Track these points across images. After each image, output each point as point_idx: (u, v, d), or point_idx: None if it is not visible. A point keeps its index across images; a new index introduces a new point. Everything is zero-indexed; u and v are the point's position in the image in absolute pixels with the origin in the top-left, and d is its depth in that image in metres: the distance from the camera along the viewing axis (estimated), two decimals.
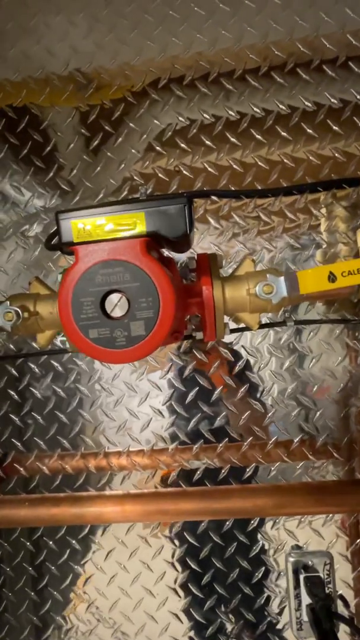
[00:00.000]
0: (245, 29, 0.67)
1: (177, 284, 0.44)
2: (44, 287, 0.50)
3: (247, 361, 0.70)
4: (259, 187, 0.66)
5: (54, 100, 0.71)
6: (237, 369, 0.69)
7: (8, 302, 0.47)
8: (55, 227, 0.51)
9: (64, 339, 0.60)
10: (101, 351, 0.40)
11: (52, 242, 0.54)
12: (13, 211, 0.75)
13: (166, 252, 0.47)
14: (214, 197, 0.67)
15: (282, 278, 0.45)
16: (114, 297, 0.39)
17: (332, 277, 0.45)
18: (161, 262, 0.41)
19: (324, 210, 0.68)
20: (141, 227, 0.39)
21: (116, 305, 0.39)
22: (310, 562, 0.62)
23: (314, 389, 0.69)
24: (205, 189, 0.68)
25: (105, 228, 0.39)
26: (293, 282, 0.45)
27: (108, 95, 0.70)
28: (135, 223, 0.39)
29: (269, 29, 0.67)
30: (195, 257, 0.48)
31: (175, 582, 0.72)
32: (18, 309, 0.46)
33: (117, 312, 0.39)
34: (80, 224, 0.39)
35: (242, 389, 0.69)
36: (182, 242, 0.43)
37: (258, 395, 0.71)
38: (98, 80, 0.70)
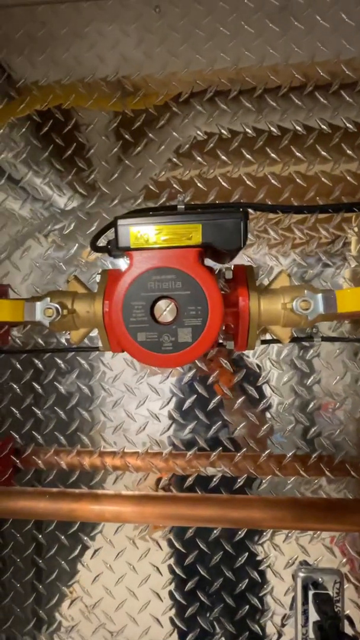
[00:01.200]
0: (267, 51, 0.70)
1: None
2: (82, 286, 0.52)
3: (254, 372, 0.71)
4: (296, 204, 0.68)
5: (101, 105, 0.74)
6: (236, 379, 0.70)
7: (49, 299, 0.48)
8: (100, 229, 0.53)
9: (68, 336, 0.62)
10: (147, 354, 0.41)
11: (98, 244, 0.55)
12: (32, 211, 0.78)
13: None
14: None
15: (320, 295, 0.46)
16: (164, 303, 0.41)
17: None
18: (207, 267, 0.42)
19: (356, 229, 0.69)
20: (197, 238, 0.40)
21: (165, 310, 0.41)
22: (320, 579, 0.61)
23: (335, 405, 0.70)
24: (242, 201, 0.69)
25: (162, 237, 0.40)
26: (331, 300, 0.46)
27: (152, 103, 0.72)
28: (192, 234, 0.40)
29: (290, 52, 0.69)
30: (232, 267, 0.50)
31: (162, 587, 0.72)
32: (58, 306, 0.47)
33: (166, 318, 0.41)
34: (139, 231, 0.40)
35: (241, 399, 0.69)
36: (231, 255, 0.45)
37: (261, 407, 0.71)
38: (145, 89, 0.72)
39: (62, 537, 0.74)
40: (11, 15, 0.75)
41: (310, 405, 0.70)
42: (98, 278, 0.50)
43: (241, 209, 0.41)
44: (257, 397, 0.70)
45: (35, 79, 0.76)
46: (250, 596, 0.69)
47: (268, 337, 0.57)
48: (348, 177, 0.68)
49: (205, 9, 0.71)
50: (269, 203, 0.69)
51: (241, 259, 0.71)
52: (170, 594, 0.72)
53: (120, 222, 0.41)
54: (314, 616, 0.62)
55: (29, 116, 0.76)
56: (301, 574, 0.63)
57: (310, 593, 0.62)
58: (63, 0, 0.74)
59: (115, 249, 0.42)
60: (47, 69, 0.75)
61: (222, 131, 0.71)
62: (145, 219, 0.41)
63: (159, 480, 0.74)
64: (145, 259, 0.40)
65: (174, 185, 0.72)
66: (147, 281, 0.40)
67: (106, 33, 0.74)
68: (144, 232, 0.40)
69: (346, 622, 0.64)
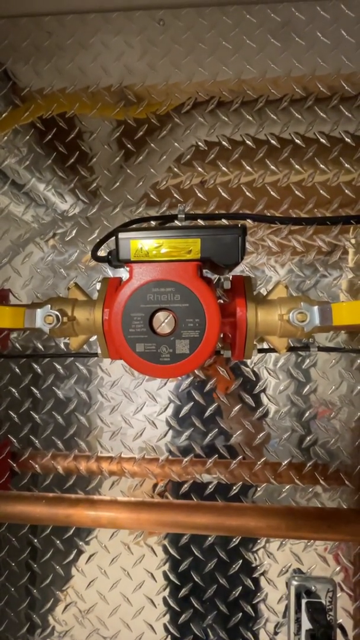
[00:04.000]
0: (269, 65, 0.71)
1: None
2: (82, 293, 0.53)
3: (250, 380, 0.71)
4: (294, 216, 0.69)
5: (104, 113, 0.75)
6: (233, 387, 0.71)
7: (49, 306, 0.49)
8: (100, 239, 0.54)
9: (67, 341, 0.62)
10: (145, 365, 0.42)
11: (99, 254, 0.56)
12: (34, 216, 0.79)
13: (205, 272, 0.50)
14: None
15: (316, 307, 0.47)
16: (162, 315, 0.42)
17: None
18: (205, 280, 0.43)
19: (353, 241, 0.70)
20: (196, 253, 0.41)
21: (163, 322, 0.41)
22: (313, 588, 0.62)
23: (330, 415, 0.70)
24: (241, 212, 0.70)
25: (162, 250, 0.41)
26: (327, 312, 0.47)
27: (154, 113, 0.73)
28: (191, 248, 0.41)
29: (291, 67, 0.71)
30: (231, 277, 0.50)
31: (156, 593, 0.72)
32: (58, 313, 0.48)
33: (164, 330, 0.42)
34: (139, 244, 0.41)
35: (238, 407, 0.70)
36: (229, 267, 0.46)
37: (258, 415, 0.72)
38: (148, 99, 0.73)
39: (58, 541, 0.74)
40: (18, 25, 0.77)
41: (306, 414, 0.70)
42: (98, 286, 0.51)
43: (239, 225, 0.42)
44: (254, 405, 0.71)
45: (40, 87, 0.77)
46: (243, 603, 0.69)
47: (265, 346, 0.58)
48: (346, 190, 0.69)
49: (208, 23, 0.73)
50: (268, 214, 0.70)
51: (239, 268, 0.72)
52: (164, 600, 0.72)
53: (121, 235, 0.42)
54: (306, 624, 0.62)
55: (33, 124, 0.77)
56: (294, 582, 0.63)
57: (304, 601, 0.63)
58: (69, 12, 0.75)
59: (115, 261, 0.43)
60: (52, 78, 0.76)
61: (223, 142, 0.72)
62: (146, 232, 0.42)
63: (154, 486, 0.75)
64: (145, 272, 0.41)
65: (175, 195, 0.73)
66: (146, 293, 0.41)
67: (111, 44, 0.75)
68: (144, 245, 0.41)
69: (339, 631, 0.64)
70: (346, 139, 0.69)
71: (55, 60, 0.76)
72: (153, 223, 0.66)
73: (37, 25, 0.77)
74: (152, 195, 0.73)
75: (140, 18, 0.74)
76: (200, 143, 0.73)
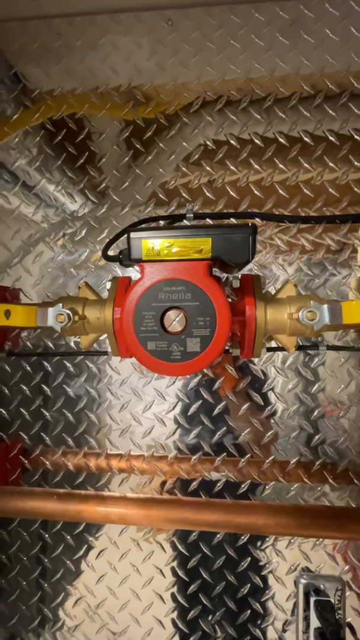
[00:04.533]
0: (277, 64, 0.71)
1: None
2: (92, 293, 0.53)
3: (258, 379, 0.72)
4: (303, 214, 0.69)
5: (113, 114, 0.75)
6: (250, 384, 0.71)
7: (61, 305, 0.50)
8: (110, 239, 0.55)
9: (78, 340, 0.63)
10: (157, 362, 0.43)
11: (109, 253, 0.57)
12: (44, 217, 0.80)
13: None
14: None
15: (325, 306, 0.47)
16: (173, 314, 0.42)
17: None
18: (216, 279, 0.43)
19: None
20: (207, 252, 0.42)
21: (174, 321, 0.42)
22: (322, 586, 0.62)
23: (339, 413, 0.70)
24: (250, 210, 0.71)
25: (173, 249, 0.42)
26: (337, 311, 0.47)
27: (163, 112, 0.74)
28: (202, 247, 0.42)
29: (300, 65, 0.71)
30: (240, 276, 0.51)
31: (165, 589, 0.73)
32: (70, 312, 0.49)
33: (175, 328, 0.42)
34: (150, 244, 0.42)
35: (246, 406, 0.70)
36: (239, 266, 0.46)
37: (266, 413, 0.72)
38: (157, 99, 0.73)
39: (68, 537, 0.75)
40: (28, 27, 0.78)
41: (315, 413, 0.70)
42: (108, 285, 0.52)
43: (250, 224, 0.42)
44: (262, 403, 0.71)
45: (50, 88, 0.78)
46: (252, 601, 0.70)
47: (274, 344, 0.58)
48: (355, 188, 0.69)
49: (217, 22, 0.73)
50: (277, 213, 0.70)
51: (248, 266, 0.72)
52: (173, 596, 0.73)
53: (133, 234, 0.42)
54: (315, 623, 0.62)
55: (43, 125, 0.78)
56: (303, 581, 0.63)
57: (312, 600, 0.63)
58: (78, 13, 0.76)
59: (127, 260, 0.44)
60: (61, 79, 0.77)
61: (232, 141, 0.72)
62: (157, 232, 0.42)
63: (163, 483, 0.75)
64: (157, 271, 0.42)
65: (183, 194, 0.73)
66: (157, 292, 0.42)
67: (120, 45, 0.75)
68: (155, 244, 0.42)
69: (347, 630, 0.64)
70: (355, 137, 0.69)
71: (64, 62, 0.77)
72: (162, 222, 0.67)
73: (46, 27, 0.77)
74: (160, 195, 0.74)
75: (149, 18, 0.75)
76: (208, 142, 0.73)
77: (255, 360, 0.72)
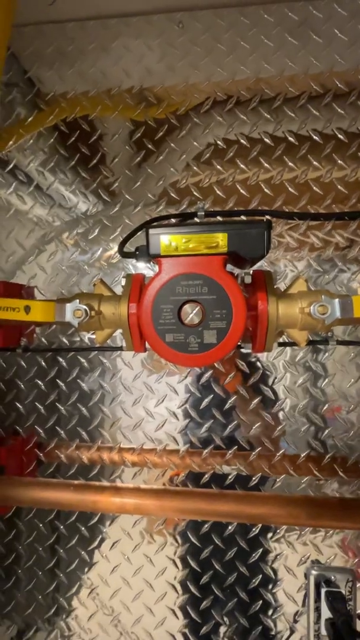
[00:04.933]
0: (287, 64, 0.72)
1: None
2: (107, 289, 0.55)
3: (263, 374, 0.73)
4: (313, 211, 0.70)
5: (125, 115, 0.77)
6: (252, 380, 0.72)
7: (78, 300, 0.52)
8: (125, 236, 0.56)
9: (92, 336, 0.65)
10: (175, 354, 0.44)
11: (125, 250, 0.58)
12: (58, 216, 0.82)
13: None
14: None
15: (336, 300, 0.48)
16: (190, 307, 0.43)
17: None
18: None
19: None
20: (223, 247, 0.43)
21: (192, 314, 0.43)
22: (332, 577, 0.63)
23: (352, 406, 0.71)
24: (260, 208, 0.72)
25: (190, 245, 0.43)
26: (348, 305, 0.48)
27: (174, 113, 0.75)
28: (218, 242, 0.43)
29: (309, 65, 0.72)
30: (251, 272, 0.52)
31: (174, 578, 0.75)
32: (86, 308, 0.50)
33: (193, 320, 0.44)
34: (168, 240, 0.43)
35: (256, 400, 0.72)
36: (252, 261, 0.47)
37: (273, 408, 0.73)
38: (168, 100, 0.75)
39: (82, 528, 0.77)
40: (42, 31, 0.80)
41: (324, 407, 0.71)
42: (123, 282, 0.53)
43: (265, 219, 0.44)
44: (273, 398, 0.72)
45: (64, 91, 0.80)
46: (263, 591, 0.71)
47: (284, 339, 0.59)
48: (339, 187, 0.70)
49: (226, 23, 0.74)
50: (287, 210, 0.71)
51: (259, 263, 0.73)
52: (186, 586, 0.74)
53: (151, 231, 0.44)
54: (326, 613, 0.63)
55: (56, 126, 0.80)
56: (314, 572, 0.64)
57: (323, 591, 0.64)
58: (91, 17, 0.78)
59: (145, 256, 0.45)
60: (75, 82, 0.79)
61: (242, 140, 0.73)
62: (175, 228, 0.44)
63: (171, 478, 0.77)
64: (174, 266, 0.43)
65: (194, 193, 0.75)
66: (175, 286, 0.43)
67: (131, 48, 0.77)
68: (173, 240, 0.43)
69: (358, 622, 0.65)
70: None
71: (78, 65, 0.79)
72: (173, 220, 0.68)
73: (60, 32, 0.79)
74: (172, 194, 0.76)
75: (160, 21, 0.76)
76: (219, 142, 0.75)
77: (263, 356, 0.73)
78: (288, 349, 0.73)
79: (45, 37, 0.80)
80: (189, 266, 0.43)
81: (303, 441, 0.72)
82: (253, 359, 0.74)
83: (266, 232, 0.43)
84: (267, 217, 0.68)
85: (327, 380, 0.71)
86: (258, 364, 0.73)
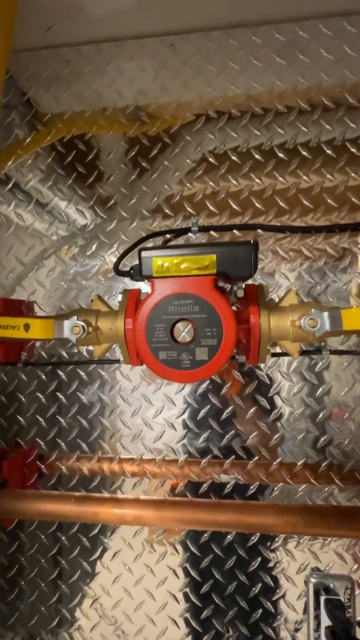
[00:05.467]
0: (275, 83, 0.75)
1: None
2: (104, 305, 0.57)
3: (263, 383, 0.74)
4: (303, 225, 0.72)
5: (120, 132, 0.80)
6: (249, 390, 0.74)
7: (75, 317, 0.53)
8: (120, 255, 0.58)
9: (91, 348, 0.67)
10: (168, 371, 0.46)
11: (121, 269, 0.61)
12: (56, 233, 0.84)
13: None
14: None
15: (326, 313, 0.49)
16: (182, 325, 0.45)
17: None
18: (220, 291, 0.46)
19: None
20: (212, 268, 0.45)
21: (184, 332, 0.45)
22: (331, 585, 0.63)
23: (346, 415, 0.72)
24: (250, 222, 0.74)
25: (181, 266, 0.45)
26: (337, 318, 0.49)
27: (166, 131, 0.78)
28: (207, 264, 0.45)
29: (297, 83, 0.74)
30: (243, 286, 0.54)
31: (177, 589, 0.75)
32: (84, 324, 0.52)
33: (185, 338, 0.45)
34: (160, 261, 0.45)
35: (253, 409, 0.73)
36: (242, 279, 0.49)
37: (270, 416, 0.75)
38: (161, 119, 0.78)
39: (84, 539, 0.78)
40: (39, 56, 0.83)
41: (320, 416, 0.73)
42: (119, 297, 0.55)
43: (252, 241, 0.45)
44: (269, 407, 0.73)
45: (60, 112, 0.82)
46: (263, 600, 0.72)
47: (278, 350, 0.60)
48: (353, 198, 0.72)
49: (215, 45, 0.77)
50: (278, 224, 0.73)
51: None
52: (186, 596, 0.75)
53: (144, 253, 0.46)
54: (326, 621, 0.64)
55: (54, 146, 0.82)
56: (313, 580, 0.65)
57: (322, 598, 0.64)
58: (86, 42, 0.81)
59: (138, 276, 0.47)
60: (71, 103, 0.82)
61: (233, 157, 0.76)
62: (166, 250, 0.46)
63: (173, 488, 0.78)
64: (166, 286, 0.45)
65: (188, 208, 0.77)
66: (167, 305, 0.45)
67: (125, 70, 0.80)
68: (165, 262, 0.45)
69: (359, 629, 0.65)
70: (351, 149, 0.72)
71: (74, 87, 0.82)
72: (168, 236, 0.70)
73: (56, 56, 0.82)
74: (166, 210, 0.78)
75: (152, 44, 0.79)
76: (211, 159, 0.77)
77: (262, 365, 0.75)
78: (285, 359, 0.74)
79: (42, 61, 0.83)
80: (181, 286, 0.45)
81: (300, 449, 0.73)
82: (249, 369, 0.75)
83: (253, 253, 0.45)
84: (258, 231, 0.70)
85: (321, 389, 0.72)
86: (259, 372, 0.75)
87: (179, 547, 0.76)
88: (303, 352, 0.59)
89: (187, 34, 0.77)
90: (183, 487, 0.77)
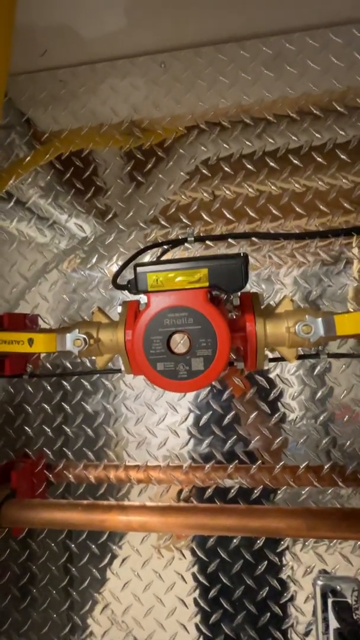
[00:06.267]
0: (264, 95, 0.77)
1: (227, 322, 0.50)
2: (105, 317, 0.59)
3: (264, 388, 0.75)
4: (297, 231, 0.73)
5: (115, 147, 0.82)
6: (248, 395, 0.75)
7: (77, 330, 0.55)
8: (118, 269, 0.60)
9: (94, 359, 0.68)
10: (166, 381, 0.48)
11: (119, 283, 0.62)
12: (57, 247, 0.86)
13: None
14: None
15: (320, 320, 0.51)
16: (178, 337, 0.47)
17: None
18: (214, 302, 0.48)
19: (356, 251, 0.74)
20: (204, 281, 0.47)
21: (180, 343, 0.47)
22: (338, 587, 0.64)
23: (345, 418, 0.73)
24: (246, 231, 0.75)
25: (175, 280, 0.47)
26: (330, 324, 0.51)
27: (160, 144, 0.80)
28: (200, 277, 0.47)
29: (286, 94, 0.76)
30: (239, 295, 0.55)
31: (187, 594, 0.76)
32: (85, 337, 0.54)
33: (181, 349, 0.47)
34: (154, 276, 0.47)
35: (255, 414, 0.74)
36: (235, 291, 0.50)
37: (274, 420, 0.75)
38: (154, 135, 0.80)
39: (93, 546, 0.79)
40: (36, 78, 0.86)
41: (321, 418, 0.73)
42: (119, 309, 0.57)
43: (242, 254, 0.47)
44: (271, 411, 0.74)
45: (58, 130, 0.85)
46: (271, 604, 0.72)
47: (277, 355, 0.62)
48: (344, 203, 0.73)
49: (205, 61, 0.79)
50: (272, 231, 0.75)
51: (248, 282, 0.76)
52: (195, 601, 0.76)
53: (139, 269, 0.47)
54: (334, 623, 0.64)
55: (52, 163, 0.85)
56: (320, 582, 0.65)
57: (330, 601, 0.65)
58: (80, 63, 0.84)
59: (134, 290, 0.49)
60: (68, 122, 0.85)
61: (226, 168, 0.78)
62: (160, 266, 0.47)
63: (179, 492, 0.79)
64: (161, 300, 0.47)
65: (183, 219, 0.79)
66: (163, 318, 0.47)
67: (118, 88, 0.83)
68: (159, 277, 0.47)
69: None
70: (342, 156, 0.73)
71: (70, 107, 0.85)
72: (165, 247, 0.72)
73: (52, 78, 0.85)
74: (162, 221, 0.80)
75: (144, 62, 0.82)
76: (204, 170, 0.79)
77: (265, 370, 0.76)
78: (286, 363, 0.75)
79: (39, 83, 0.86)
80: (175, 300, 0.47)
81: (303, 452, 0.74)
82: (255, 373, 0.76)
83: (243, 266, 0.46)
84: (251, 242, 0.71)
85: (320, 392, 0.73)
86: (260, 377, 0.76)
87: (186, 553, 0.77)
88: (301, 357, 0.60)
89: (177, 51, 0.80)
90: (189, 493, 0.78)
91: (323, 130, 0.74)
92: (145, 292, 0.47)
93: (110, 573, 0.79)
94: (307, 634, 0.72)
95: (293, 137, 0.75)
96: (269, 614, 0.72)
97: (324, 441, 0.73)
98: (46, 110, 0.86)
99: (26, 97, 0.86)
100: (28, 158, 0.86)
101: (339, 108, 0.74)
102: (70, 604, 0.81)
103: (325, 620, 0.65)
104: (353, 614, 0.64)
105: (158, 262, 0.49)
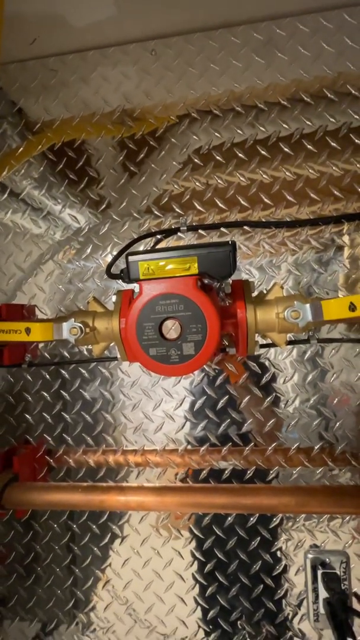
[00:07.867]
0: (255, 82, 0.77)
1: (217, 308, 0.52)
2: (100, 306, 0.61)
3: (258, 373, 0.77)
4: (288, 219, 0.75)
5: (107, 136, 0.82)
6: (241, 380, 0.77)
7: (73, 319, 0.57)
8: (112, 259, 0.61)
9: (90, 348, 0.70)
10: (158, 366, 0.50)
11: (113, 272, 0.64)
12: (52, 238, 0.87)
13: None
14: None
15: (308, 305, 0.53)
16: (170, 323, 0.49)
17: (352, 307, 0.52)
18: (204, 289, 0.50)
19: (346, 239, 0.75)
20: (194, 269, 0.49)
21: (171, 329, 0.49)
22: (327, 560, 0.67)
23: (335, 400, 0.76)
24: (237, 219, 0.77)
25: (166, 268, 0.48)
26: (318, 309, 0.53)
27: (152, 133, 0.80)
28: (189, 265, 0.48)
29: (277, 81, 0.76)
30: (230, 282, 0.57)
31: (184, 569, 0.80)
32: (81, 325, 0.56)
33: (172, 335, 0.49)
34: (146, 265, 0.49)
35: (249, 397, 0.77)
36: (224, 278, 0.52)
37: (266, 403, 0.78)
38: (146, 123, 0.80)
39: (94, 526, 0.83)
40: (26, 67, 0.85)
41: (311, 401, 0.76)
42: (114, 298, 0.59)
43: (230, 242, 0.48)
44: (265, 394, 0.77)
45: (50, 120, 0.85)
46: (264, 576, 0.76)
47: (269, 341, 0.64)
48: (335, 191, 0.74)
49: (196, 48, 0.79)
50: (264, 219, 0.76)
51: (240, 270, 0.78)
52: (192, 575, 0.80)
53: (130, 258, 0.49)
54: (323, 594, 0.68)
55: (45, 154, 0.85)
56: (310, 555, 0.69)
57: (319, 572, 0.69)
58: (70, 51, 0.83)
59: (127, 279, 0.50)
60: (59, 111, 0.85)
61: (217, 157, 0.78)
62: (151, 254, 0.49)
63: (177, 473, 0.82)
64: (153, 287, 0.48)
65: (176, 209, 0.80)
66: (155, 305, 0.48)
67: (109, 77, 0.82)
68: (150, 265, 0.48)
69: (355, 601, 0.69)
70: (332, 143, 0.74)
71: (61, 96, 0.85)
72: (159, 236, 0.74)
73: (43, 66, 0.85)
74: (155, 211, 0.81)
75: (134, 50, 0.81)
76: (196, 159, 0.79)
77: (260, 355, 0.78)
78: (278, 349, 0.77)
79: (30, 72, 0.85)
80: (166, 287, 0.48)
81: (300, 434, 0.76)
82: (250, 357, 0.79)
83: (231, 254, 0.48)
84: (244, 230, 0.72)
85: (311, 376, 0.76)
86: (254, 362, 0.78)
87: (184, 532, 0.81)
88: (291, 342, 0.62)
89: (168, 38, 0.79)
90: (184, 474, 0.81)
91: (313, 117, 0.75)
92: (137, 280, 0.49)
93: (111, 551, 0.83)
94: (299, 605, 0.77)
95: (284, 125, 0.75)
96: (262, 586, 0.76)
97: (314, 422, 0.75)
98: (37, 100, 0.86)
99: (17, 86, 0.86)
100: (21, 149, 0.86)
101: (329, 95, 0.74)
102: (73, 580, 0.85)
103: (315, 590, 0.69)
104: (341, 584, 0.68)
105: (149, 250, 0.51)
